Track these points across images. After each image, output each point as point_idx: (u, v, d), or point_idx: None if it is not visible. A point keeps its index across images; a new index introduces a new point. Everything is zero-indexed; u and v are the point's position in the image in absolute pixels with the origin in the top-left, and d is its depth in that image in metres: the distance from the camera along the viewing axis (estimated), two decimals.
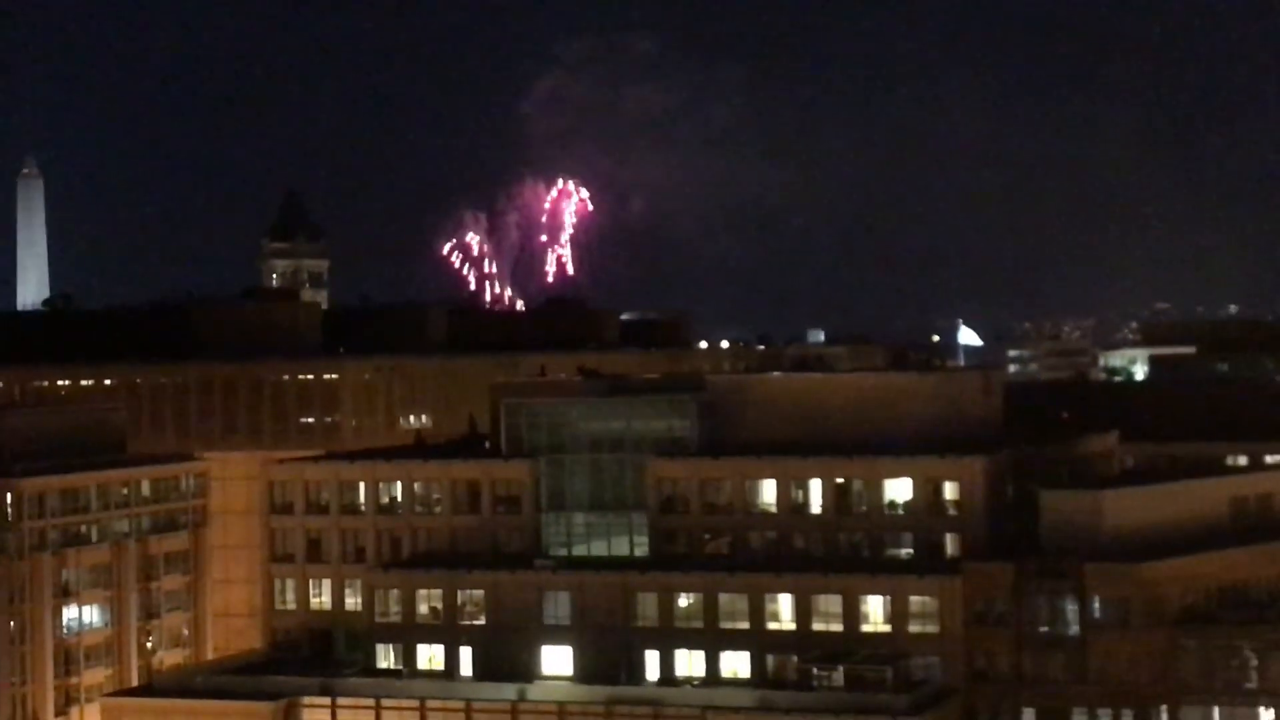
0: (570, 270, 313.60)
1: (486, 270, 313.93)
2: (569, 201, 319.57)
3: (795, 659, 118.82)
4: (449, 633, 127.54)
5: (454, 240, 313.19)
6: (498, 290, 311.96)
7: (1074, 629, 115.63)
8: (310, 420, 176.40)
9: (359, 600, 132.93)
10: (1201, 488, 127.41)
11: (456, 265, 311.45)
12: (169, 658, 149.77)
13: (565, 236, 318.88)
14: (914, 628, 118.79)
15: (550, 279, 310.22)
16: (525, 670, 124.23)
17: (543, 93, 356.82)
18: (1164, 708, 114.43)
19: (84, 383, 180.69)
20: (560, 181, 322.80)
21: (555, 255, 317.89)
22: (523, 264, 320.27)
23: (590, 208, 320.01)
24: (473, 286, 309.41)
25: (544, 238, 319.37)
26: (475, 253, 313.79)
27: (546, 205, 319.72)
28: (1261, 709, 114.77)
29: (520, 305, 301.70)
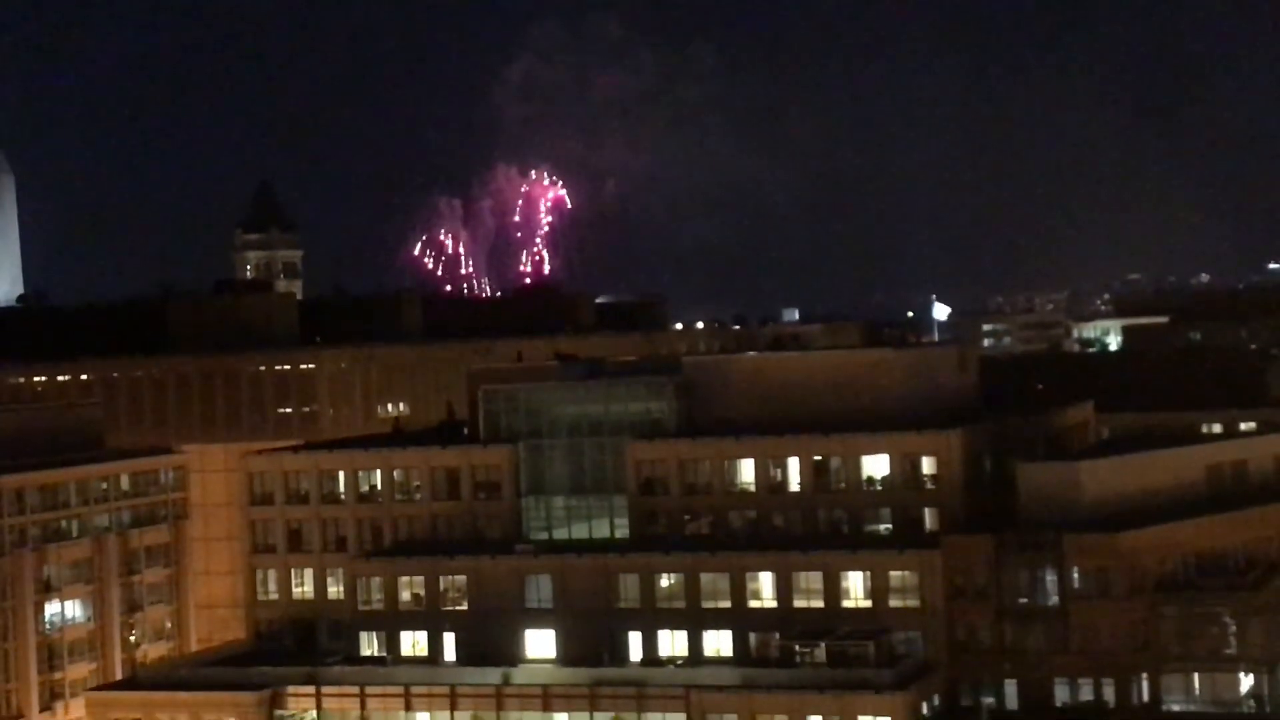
0: (547, 270, 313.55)
1: (463, 271, 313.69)
2: (544, 198, 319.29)
3: (777, 636, 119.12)
4: (432, 619, 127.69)
5: (425, 236, 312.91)
6: (475, 290, 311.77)
7: (1054, 600, 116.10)
8: (288, 411, 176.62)
9: (341, 589, 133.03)
10: (1177, 456, 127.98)
11: (430, 265, 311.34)
12: (152, 651, 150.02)
13: (541, 234, 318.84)
14: (894, 602, 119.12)
15: (528, 280, 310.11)
16: (509, 654, 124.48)
17: (514, 79, 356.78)
18: (1144, 676, 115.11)
19: (60, 379, 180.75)
20: (533, 173, 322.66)
21: (532, 256, 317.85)
22: (498, 251, 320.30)
23: (567, 203, 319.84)
24: (448, 288, 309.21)
25: (519, 234, 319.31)
26: (449, 251, 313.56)
27: (520, 202, 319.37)
28: (1241, 674, 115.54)
29: (496, 293, 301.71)
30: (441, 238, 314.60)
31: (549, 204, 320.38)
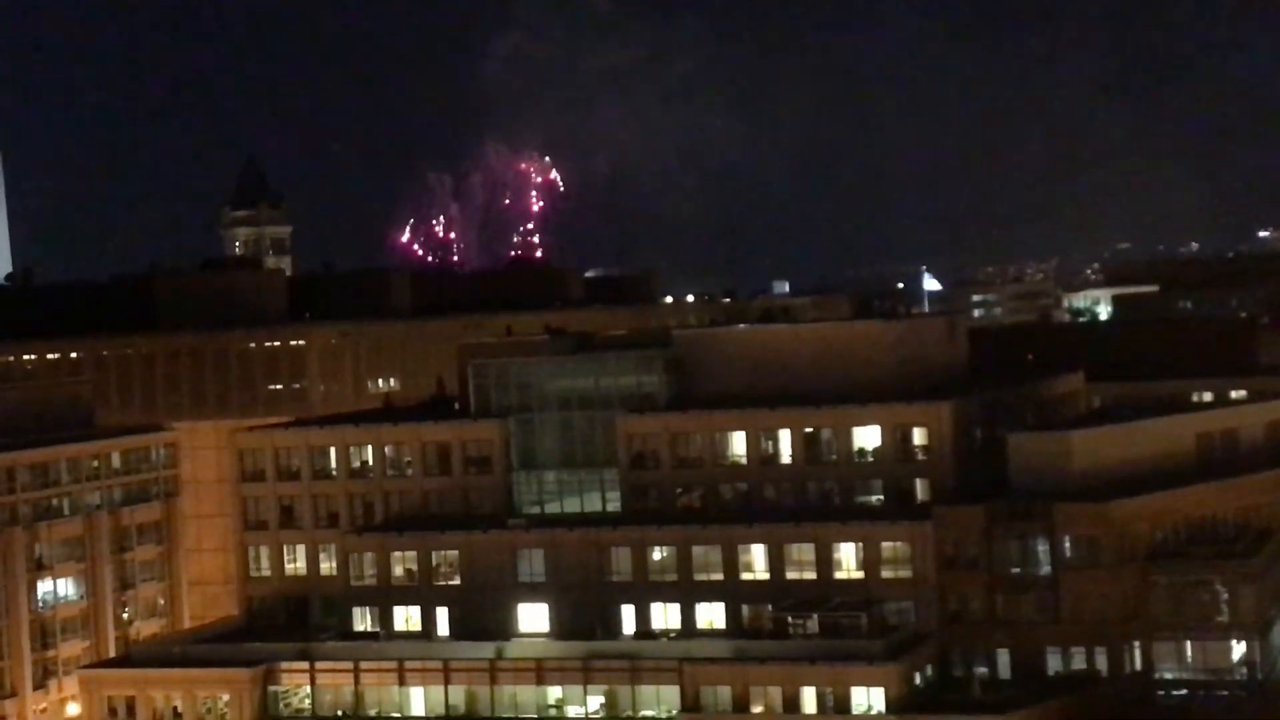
0: (539, 253, 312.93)
1: (454, 257, 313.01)
2: (534, 178, 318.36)
3: (770, 608, 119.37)
4: (425, 594, 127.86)
5: (414, 218, 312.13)
6: (465, 266, 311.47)
7: (1045, 569, 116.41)
8: (278, 387, 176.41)
9: (334, 565, 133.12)
10: (1167, 425, 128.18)
11: (419, 251, 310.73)
12: (145, 628, 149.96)
13: (533, 217, 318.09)
14: (886, 573, 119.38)
15: (517, 254, 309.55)
16: (502, 628, 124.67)
17: (503, 53, 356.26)
18: (1136, 644, 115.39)
19: (50, 357, 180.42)
20: (522, 150, 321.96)
21: (524, 238, 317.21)
22: (489, 225, 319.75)
23: (559, 184, 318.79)
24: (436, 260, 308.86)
25: (510, 216, 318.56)
26: (440, 235, 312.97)
27: (507, 187, 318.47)
28: (1233, 642, 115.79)
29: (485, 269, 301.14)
30: (432, 221, 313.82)
31: (539, 184, 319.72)
